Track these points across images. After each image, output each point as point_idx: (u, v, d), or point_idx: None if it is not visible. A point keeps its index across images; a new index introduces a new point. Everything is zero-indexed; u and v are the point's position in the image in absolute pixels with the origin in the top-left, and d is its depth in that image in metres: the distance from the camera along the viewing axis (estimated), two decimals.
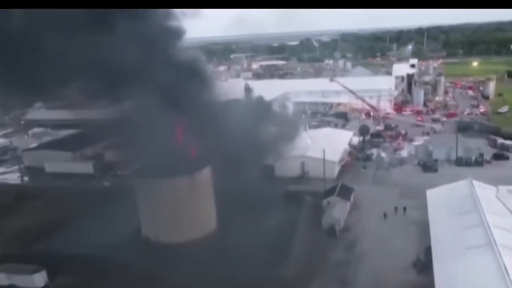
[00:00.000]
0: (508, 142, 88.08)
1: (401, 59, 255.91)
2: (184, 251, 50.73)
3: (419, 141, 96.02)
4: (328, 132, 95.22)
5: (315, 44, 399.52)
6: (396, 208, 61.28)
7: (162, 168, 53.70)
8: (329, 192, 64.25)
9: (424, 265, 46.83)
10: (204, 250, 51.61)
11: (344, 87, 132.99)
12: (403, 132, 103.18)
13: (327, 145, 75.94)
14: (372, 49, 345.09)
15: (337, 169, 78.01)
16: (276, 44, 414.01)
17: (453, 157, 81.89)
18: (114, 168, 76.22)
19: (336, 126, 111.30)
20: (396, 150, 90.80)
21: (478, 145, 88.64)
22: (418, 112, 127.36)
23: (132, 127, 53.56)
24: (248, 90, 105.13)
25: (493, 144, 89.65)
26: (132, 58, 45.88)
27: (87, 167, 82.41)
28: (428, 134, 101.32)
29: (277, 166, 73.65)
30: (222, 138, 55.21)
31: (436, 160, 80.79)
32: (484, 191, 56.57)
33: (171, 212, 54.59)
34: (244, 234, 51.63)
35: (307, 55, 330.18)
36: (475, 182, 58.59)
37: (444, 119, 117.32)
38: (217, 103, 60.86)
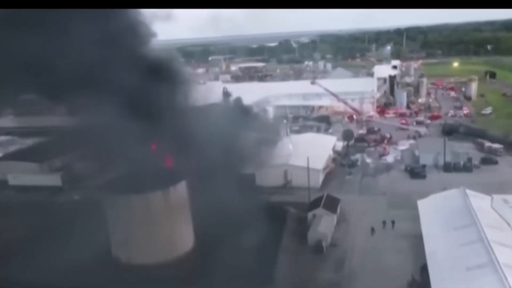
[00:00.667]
0: (495, 145, 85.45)
1: (380, 60, 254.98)
2: (158, 273, 46.16)
3: (404, 145, 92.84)
4: (310, 138, 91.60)
5: (294, 45, 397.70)
6: (384, 222, 57.39)
7: (133, 183, 49.11)
8: (314, 204, 60.33)
9: (420, 285, 43.11)
10: (180, 271, 47.26)
11: (326, 89, 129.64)
12: (387, 136, 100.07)
13: (311, 152, 72.40)
14: (352, 50, 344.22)
15: (321, 177, 74.29)
16: (254, 46, 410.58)
17: (441, 162, 78.84)
18: (84, 180, 70.78)
19: (318, 130, 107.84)
20: (381, 155, 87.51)
21: (464, 148, 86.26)
22: (402, 115, 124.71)
23: (100, 136, 49.00)
24: (226, 94, 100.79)
25: (480, 148, 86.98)
26: (96, 62, 41.27)
27: (54, 179, 76.86)
28: (414, 138, 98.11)
29: (258, 175, 69.50)
30: (199, 147, 50.76)
31: (424, 166, 77.61)
32: (479, 201, 53.37)
33: (143, 231, 49.72)
34: (224, 253, 47.66)
35: (287, 56, 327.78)
36: (468, 191, 55.38)
37: (428, 121, 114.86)
38: (193, 109, 56.54)
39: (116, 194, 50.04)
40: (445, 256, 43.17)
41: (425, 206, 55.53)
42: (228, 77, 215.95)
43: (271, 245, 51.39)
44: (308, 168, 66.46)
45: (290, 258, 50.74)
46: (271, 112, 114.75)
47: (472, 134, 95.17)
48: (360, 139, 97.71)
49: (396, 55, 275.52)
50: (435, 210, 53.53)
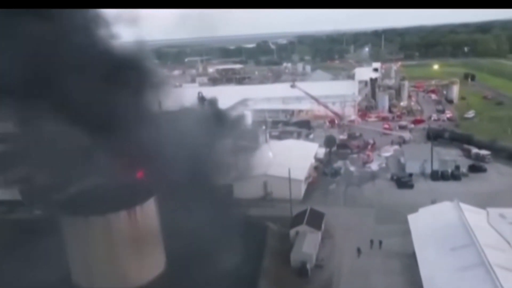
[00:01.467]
0: (483, 151, 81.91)
1: (359, 61, 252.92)
2: None
3: (388, 151, 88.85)
4: (291, 145, 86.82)
5: (272, 46, 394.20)
6: (371, 241, 52.72)
7: (94, 202, 43.68)
8: (297, 220, 55.53)
9: None
10: None
11: (306, 93, 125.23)
12: (371, 141, 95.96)
13: (292, 160, 68.17)
14: (330, 52, 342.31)
15: (303, 188, 69.52)
16: (232, 47, 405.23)
17: (428, 170, 74.94)
18: (43, 195, 64.42)
19: (299, 136, 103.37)
20: (365, 162, 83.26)
21: (451, 155, 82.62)
22: (384, 119, 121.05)
23: (52, 147, 43.65)
24: (202, 99, 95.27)
25: (468, 154, 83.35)
26: (47, 65, 35.93)
27: (12, 193, 70.02)
28: (398, 143, 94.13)
29: (236, 186, 64.34)
30: (170, 158, 45.43)
31: (411, 175, 73.58)
32: (474, 216, 49.42)
33: (107, 255, 44.41)
34: (198, 276, 42.75)
35: (265, 58, 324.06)
36: (462, 205, 51.36)
37: (412, 126, 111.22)
38: (164, 114, 51.41)
39: (74, 215, 44.50)
40: (443, 282, 38.86)
41: (416, 222, 51.22)
42: (205, 79, 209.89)
43: (250, 267, 46.59)
44: (289, 179, 61.76)
45: (272, 282, 45.87)
46: (249, 116, 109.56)
47: (458, 140, 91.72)
48: (343, 145, 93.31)
49: (374, 56, 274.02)
50: (428, 227, 49.18)
